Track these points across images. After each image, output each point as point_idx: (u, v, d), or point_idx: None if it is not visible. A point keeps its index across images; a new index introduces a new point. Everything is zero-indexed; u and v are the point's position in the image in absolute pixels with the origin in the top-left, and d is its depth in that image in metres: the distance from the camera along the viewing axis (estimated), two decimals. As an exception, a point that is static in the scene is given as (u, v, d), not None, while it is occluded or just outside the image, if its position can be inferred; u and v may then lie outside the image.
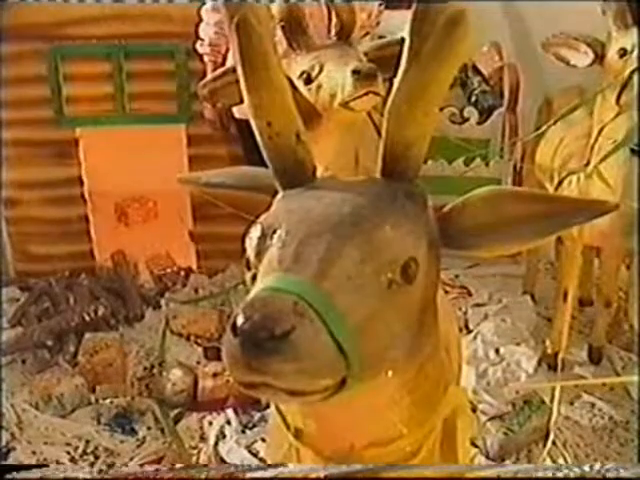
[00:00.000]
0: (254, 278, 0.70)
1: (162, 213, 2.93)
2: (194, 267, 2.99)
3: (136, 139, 2.75)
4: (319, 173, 1.75)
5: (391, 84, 0.78)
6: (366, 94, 1.41)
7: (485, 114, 2.91)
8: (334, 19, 1.61)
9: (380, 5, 2.28)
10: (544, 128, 1.92)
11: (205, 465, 1.88)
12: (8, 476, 0.79)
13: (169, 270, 2.92)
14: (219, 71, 1.63)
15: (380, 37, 3.16)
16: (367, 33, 2.33)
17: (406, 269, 0.69)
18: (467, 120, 2.89)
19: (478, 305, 2.75)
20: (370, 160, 1.79)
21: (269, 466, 0.80)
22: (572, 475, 0.79)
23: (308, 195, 0.74)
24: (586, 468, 0.80)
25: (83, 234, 2.89)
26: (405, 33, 0.71)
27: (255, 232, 0.71)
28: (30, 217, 2.86)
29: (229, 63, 2.32)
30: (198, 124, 2.71)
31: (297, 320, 0.60)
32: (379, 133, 1.99)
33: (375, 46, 1.65)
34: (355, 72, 1.40)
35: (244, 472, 0.78)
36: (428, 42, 0.66)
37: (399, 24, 3.22)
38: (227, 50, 2.29)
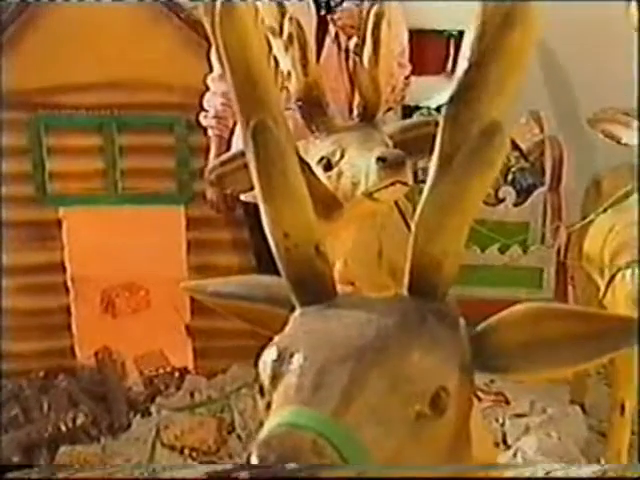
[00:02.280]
0: (268, 406, 0.73)
1: (155, 303, 2.99)
2: (190, 367, 3.01)
3: (128, 221, 2.83)
4: (338, 267, 1.81)
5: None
6: (392, 184, 1.49)
7: (523, 194, 2.98)
8: (357, 98, 1.70)
9: (406, 78, 2.40)
10: (592, 217, 1.97)
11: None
12: (8, 476, 0.82)
13: (161, 371, 2.95)
14: (228, 155, 1.72)
15: (405, 107, 3.31)
16: (390, 108, 2.43)
17: (436, 400, 0.73)
18: (503, 201, 2.95)
19: (518, 416, 2.73)
20: (395, 252, 1.86)
21: None
22: (572, 475, 0.82)
23: (328, 314, 0.78)
24: (587, 468, 0.82)
25: (63, 328, 2.92)
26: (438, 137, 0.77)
27: (270, 355, 0.75)
28: (3, 308, 2.90)
29: (236, 138, 2.42)
30: (199, 205, 2.80)
31: (316, 460, 0.64)
32: (406, 222, 2.06)
33: (401, 128, 1.74)
34: (380, 160, 1.47)
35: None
36: (461, 151, 0.71)
37: (425, 92, 3.35)
38: (235, 123, 2.40)
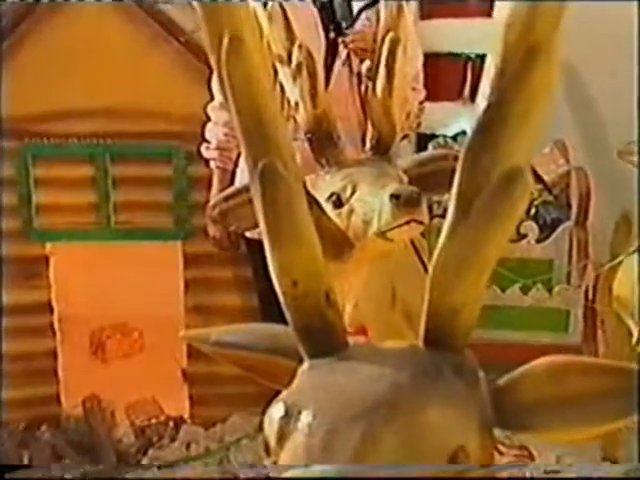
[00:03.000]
0: (275, 467, 0.75)
1: (149, 346, 2.99)
2: (186, 416, 3.01)
3: (121, 257, 2.86)
4: (348, 310, 1.83)
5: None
6: (407, 223, 1.51)
7: (547, 230, 2.99)
8: (370, 130, 1.73)
9: (421, 103, 2.43)
10: (622, 257, 1.99)
11: None
12: (8, 476, 0.85)
13: (155, 420, 2.95)
14: (232, 189, 1.75)
15: (420, 135, 3.35)
16: (406, 136, 2.46)
17: (454, 460, 0.74)
18: (525, 237, 2.96)
19: (545, 473, 2.72)
20: (409, 293, 1.88)
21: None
22: (572, 475, 0.83)
23: (339, 368, 0.80)
24: (587, 468, 0.83)
25: (48, 373, 2.93)
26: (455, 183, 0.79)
27: (277, 412, 0.76)
28: (-17, 352, 2.90)
29: (240, 171, 2.45)
30: (197, 241, 2.83)
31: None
32: (422, 261, 2.08)
33: (417, 162, 1.77)
34: (394, 197, 1.49)
35: None
36: (480, 196, 0.73)
37: (441, 119, 3.40)
38: (239, 155, 2.43)
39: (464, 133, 3.57)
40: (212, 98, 2.46)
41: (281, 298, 0.83)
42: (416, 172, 1.73)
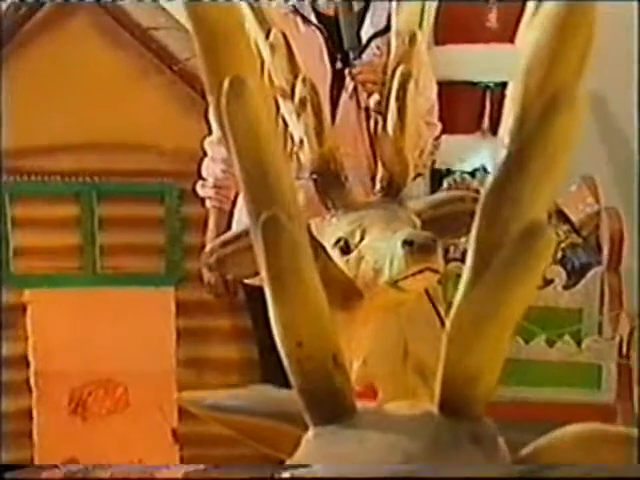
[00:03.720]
0: None
1: (135, 403, 2.98)
2: (177, 481, 3.00)
3: (107, 305, 2.87)
4: (356, 367, 1.84)
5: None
6: (420, 272, 1.53)
7: (576, 275, 3.00)
8: (380, 170, 1.76)
9: (436, 139, 2.46)
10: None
11: None
12: (8, 476, 0.87)
13: (142, 486, 2.95)
14: (230, 234, 1.78)
15: (434, 172, 3.38)
16: (419, 174, 2.49)
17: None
18: (551, 283, 2.97)
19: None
20: (423, 347, 1.89)
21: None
22: (572, 475, 0.84)
23: (347, 435, 0.81)
24: (586, 468, 0.84)
25: (22, 434, 2.90)
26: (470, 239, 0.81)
27: (281, 485, 0.78)
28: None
29: (239, 211, 2.47)
30: (191, 287, 2.85)
31: None
32: (437, 311, 2.10)
33: (431, 204, 1.79)
34: (407, 243, 1.51)
35: None
36: (499, 252, 0.75)
37: (458, 153, 3.43)
38: (237, 194, 2.46)
39: (483, 169, 3.61)
40: (210, 132, 2.49)
41: (284, 359, 0.85)
42: (431, 215, 1.76)
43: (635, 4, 3.10)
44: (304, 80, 1.64)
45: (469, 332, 0.78)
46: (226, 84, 0.81)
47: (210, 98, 0.88)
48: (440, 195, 2.25)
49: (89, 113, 2.77)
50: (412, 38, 1.78)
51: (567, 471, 0.83)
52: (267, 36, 1.75)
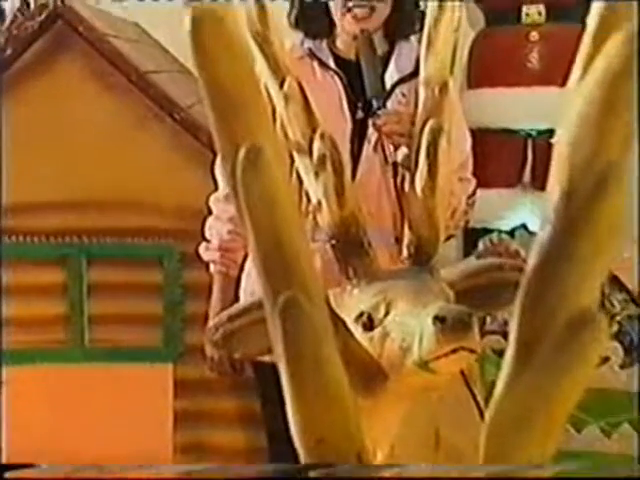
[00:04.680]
0: None
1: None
2: None
3: (95, 384, 2.87)
4: (381, 457, 1.84)
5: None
6: (454, 351, 1.53)
7: (634, 352, 2.98)
8: (408, 234, 1.78)
9: (470, 197, 2.45)
10: None
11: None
12: (8, 476, 0.91)
13: None
14: (238, 307, 1.79)
15: (468, 231, 3.39)
16: (451, 236, 2.50)
17: None
18: (606, 361, 2.94)
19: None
20: (456, 433, 1.89)
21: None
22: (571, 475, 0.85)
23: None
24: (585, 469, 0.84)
25: None
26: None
27: None
28: None
29: (246, 277, 2.49)
30: (192, 363, 2.83)
31: None
32: (473, 394, 2.10)
33: (465, 273, 1.81)
34: (438, 319, 1.52)
35: None
36: (545, 343, 0.77)
37: (495, 210, 3.43)
38: (245, 257, 2.46)
39: (524, 227, 3.62)
40: (215, 187, 2.50)
41: (301, 454, 0.86)
42: (465, 285, 1.77)
43: (635, 4, 3.17)
44: (322, 135, 1.67)
45: (512, 429, 0.80)
46: (242, 153, 0.84)
47: (223, 167, 0.90)
48: (476, 262, 2.26)
49: (79, 166, 2.81)
50: (443, 87, 1.81)
51: (569, 471, 0.84)
52: (281, 85, 1.79)
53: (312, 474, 0.77)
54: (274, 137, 0.95)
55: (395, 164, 2.25)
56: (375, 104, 2.27)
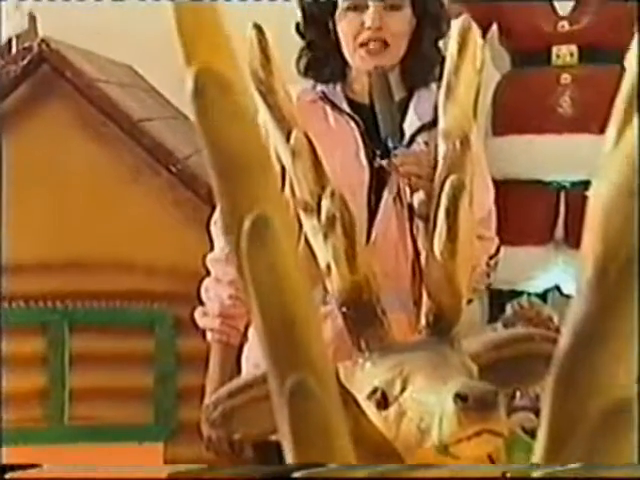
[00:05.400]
0: None
1: None
2: None
3: (80, 464, 2.86)
4: None
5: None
6: (477, 434, 1.53)
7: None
8: (426, 301, 1.79)
9: (492, 258, 2.44)
10: None
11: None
12: (8, 476, 0.94)
13: None
14: (240, 382, 1.79)
15: (494, 292, 3.40)
16: (470, 301, 2.49)
17: None
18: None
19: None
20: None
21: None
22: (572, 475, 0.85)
23: None
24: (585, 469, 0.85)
25: None
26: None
27: None
28: None
29: (249, 349, 2.48)
30: (186, 442, 2.83)
31: None
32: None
33: (491, 344, 1.81)
34: (460, 397, 1.52)
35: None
36: (576, 434, 0.79)
37: (524, 270, 3.43)
38: (248, 324, 2.45)
39: (557, 289, 3.62)
40: (212, 247, 2.49)
41: None
42: (491, 358, 1.77)
43: (635, 4, 3.27)
44: (332, 193, 1.67)
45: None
46: (247, 223, 0.85)
47: (226, 236, 0.92)
48: (503, 332, 2.25)
49: (64, 222, 2.83)
50: (464, 141, 1.82)
51: (566, 471, 0.85)
52: (288, 138, 1.80)
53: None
54: (283, 205, 0.97)
55: (412, 213, 2.24)
56: (392, 144, 2.27)
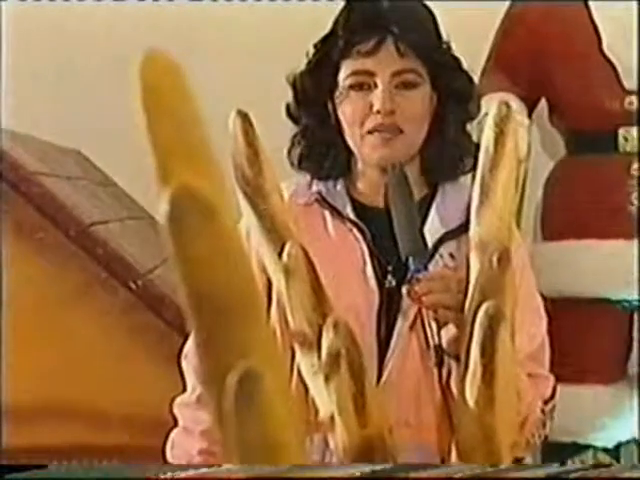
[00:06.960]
0: None
1: None
2: None
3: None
4: None
5: None
6: None
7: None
8: (455, 462, 1.84)
9: (547, 402, 2.41)
10: None
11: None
12: (8, 476, 1.01)
13: None
14: None
15: (551, 445, 3.43)
16: (521, 459, 2.51)
17: None
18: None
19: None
20: None
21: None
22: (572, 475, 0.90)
23: None
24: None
25: None
26: None
27: None
28: None
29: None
30: None
31: None
32: None
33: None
34: None
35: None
36: None
37: (590, 418, 3.50)
38: (222, 485, 2.49)
39: (636, 442, 3.60)
40: (183, 387, 2.50)
41: None
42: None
43: (635, 4, 3.42)
44: (336, 325, 1.66)
45: None
46: (234, 378, 0.89)
47: (206, 388, 0.97)
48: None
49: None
50: (503, 256, 1.80)
51: (567, 471, 0.91)
52: (280, 253, 1.85)
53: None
54: (275, 353, 1.02)
55: (439, 350, 2.17)
56: (412, 267, 2.19)
